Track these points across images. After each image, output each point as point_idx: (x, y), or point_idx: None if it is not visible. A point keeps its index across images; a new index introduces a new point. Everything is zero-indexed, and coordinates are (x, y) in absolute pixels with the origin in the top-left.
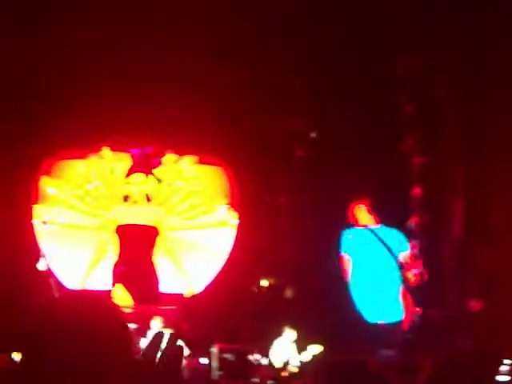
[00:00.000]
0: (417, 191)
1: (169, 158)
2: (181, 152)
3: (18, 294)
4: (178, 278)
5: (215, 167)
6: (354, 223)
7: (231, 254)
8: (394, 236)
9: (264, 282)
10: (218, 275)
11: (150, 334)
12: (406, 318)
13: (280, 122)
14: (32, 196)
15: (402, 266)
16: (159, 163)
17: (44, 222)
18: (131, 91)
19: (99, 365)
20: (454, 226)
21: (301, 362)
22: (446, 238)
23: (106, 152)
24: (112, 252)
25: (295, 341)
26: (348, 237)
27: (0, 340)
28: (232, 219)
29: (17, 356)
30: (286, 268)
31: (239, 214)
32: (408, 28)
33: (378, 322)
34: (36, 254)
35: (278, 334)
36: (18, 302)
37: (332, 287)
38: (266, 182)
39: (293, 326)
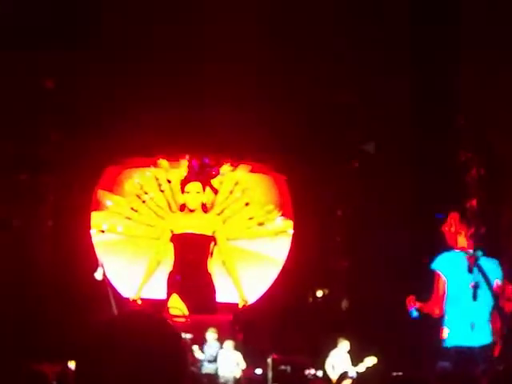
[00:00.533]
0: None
1: (226, 168)
2: (236, 162)
3: (76, 304)
4: (234, 288)
5: (270, 176)
6: (452, 245)
7: (286, 263)
8: (489, 261)
9: (319, 293)
10: (273, 285)
11: (206, 345)
12: (496, 344)
13: (336, 133)
14: (91, 205)
15: (497, 293)
16: (217, 173)
17: (102, 231)
18: (190, 102)
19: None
20: None
21: (356, 373)
22: None
23: (163, 162)
24: (167, 261)
25: (349, 351)
26: (445, 257)
27: (57, 348)
28: (289, 229)
29: (72, 365)
30: (341, 279)
31: (294, 223)
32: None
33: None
34: (93, 263)
35: (334, 345)
36: (75, 310)
37: (385, 299)
38: (322, 193)
39: (348, 337)
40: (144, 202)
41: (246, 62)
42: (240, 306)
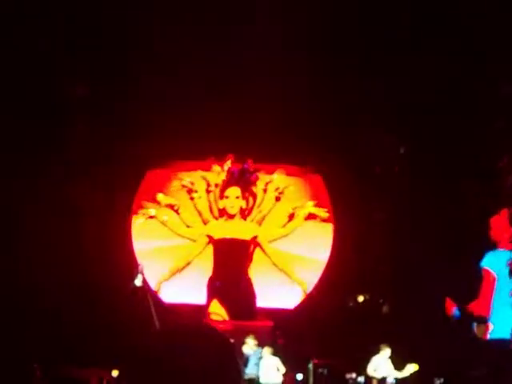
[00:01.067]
0: None
1: (263, 174)
2: (274, 166)
3: (122, 310)
4: (292, 283)
5: (306, 178)
6: (496, 240)
7: (327, 267)
8: None
9: (360, 298)
10: (313, 290)
11: (245, 351)
12: None
13: (374, 137)
14: (132, 208)
15: None
16: (256, 178)
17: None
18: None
19: None
20: None
21: (397, 379)
22: None
23: (216, 167)
24: (199, 264)
25: (391, 357)
26: (493, 255)
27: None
28: (321, 213)
29: (115, 373)
30: (383, 284)
31: (335, 227)
32: None
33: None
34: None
35: (375, 350)
36: (122, 317)
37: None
38: (363, 195)
39: (389, 343)
40: (192, 199)
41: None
42: (301, 298)
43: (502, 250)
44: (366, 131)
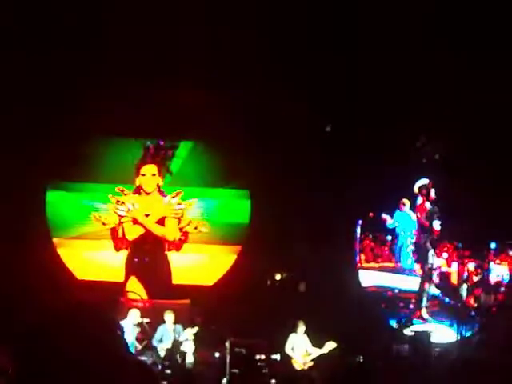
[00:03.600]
0: None
1: (180, 150)
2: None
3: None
4: (205, 266)
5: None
6: None
7: (244, 247)
8: None
9: (277, 276)
10: (231, 269)
11: (163, 328)
12: None
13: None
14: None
15: None
16: (172, 155)
17: None
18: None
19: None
20: None
21: (315, 357)
22: None
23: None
24: (122, 244)
25: (309, 335)
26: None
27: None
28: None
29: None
30: (300, 263)
31: (252, 205)
32: None
33: None
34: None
35: (292, 328)
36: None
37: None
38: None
39: (306, 321)
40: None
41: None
42: (220, 275)
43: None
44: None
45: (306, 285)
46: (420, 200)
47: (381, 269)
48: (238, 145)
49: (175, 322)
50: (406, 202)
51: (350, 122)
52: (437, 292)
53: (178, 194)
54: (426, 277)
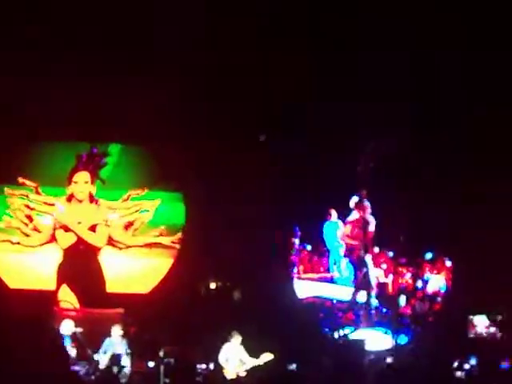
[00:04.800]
0: None
1: (111, 155)
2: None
3: None
4: (129, 277)
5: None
6: None
7: (179, 255)
8: None
9: (212, 285)
10: (166, 277)
11: (109, 341)
12: None
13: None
14: None
15: None
16: (104, 163)
17: None
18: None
19: None
20: None
21: (249, 368)
22: None
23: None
24: (54, 251)
25: (243, 345)
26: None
27: None
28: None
29: None
30: (235, 270)
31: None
32: None
33: None
34: None
35: (227, 337)
36: None
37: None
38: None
39: (242, 331)
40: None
41: None
42: (154, 284)
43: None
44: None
45: (242, 293)
46: (356, 214)
47: (320, 279)
48: (170, 147)
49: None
50: (333, 211)
51: (284, 130)
52: (375, 302)
53: (129, 197)
54: (362, 285)
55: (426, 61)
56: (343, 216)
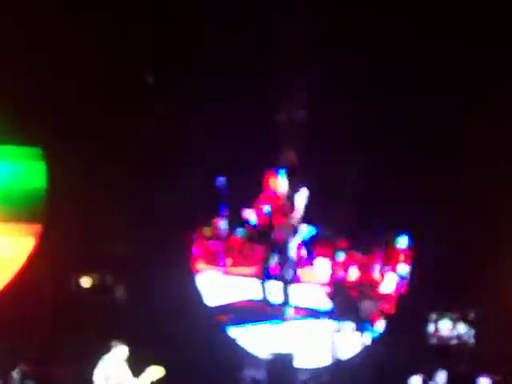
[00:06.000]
0: None
1: None
2: None
3: None
4: None
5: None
6: None
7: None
8: None
9: (85, 281)
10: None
11: None
12: None
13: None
14: None
15: None
16: None
17: None
18: None
19: None
20: None
21: None
22: None
23: None
24: None
25: (128, 359)
26: None
27: None
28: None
29: None
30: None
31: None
32: None
33: None
34: None
35: (105, 349)
36: None
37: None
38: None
39: (125, 340)
40: None
41: None
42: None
43: None
44: None
45: (128, 292)
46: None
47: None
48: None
49: None
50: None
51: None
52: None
53: None
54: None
55: None
56: None
